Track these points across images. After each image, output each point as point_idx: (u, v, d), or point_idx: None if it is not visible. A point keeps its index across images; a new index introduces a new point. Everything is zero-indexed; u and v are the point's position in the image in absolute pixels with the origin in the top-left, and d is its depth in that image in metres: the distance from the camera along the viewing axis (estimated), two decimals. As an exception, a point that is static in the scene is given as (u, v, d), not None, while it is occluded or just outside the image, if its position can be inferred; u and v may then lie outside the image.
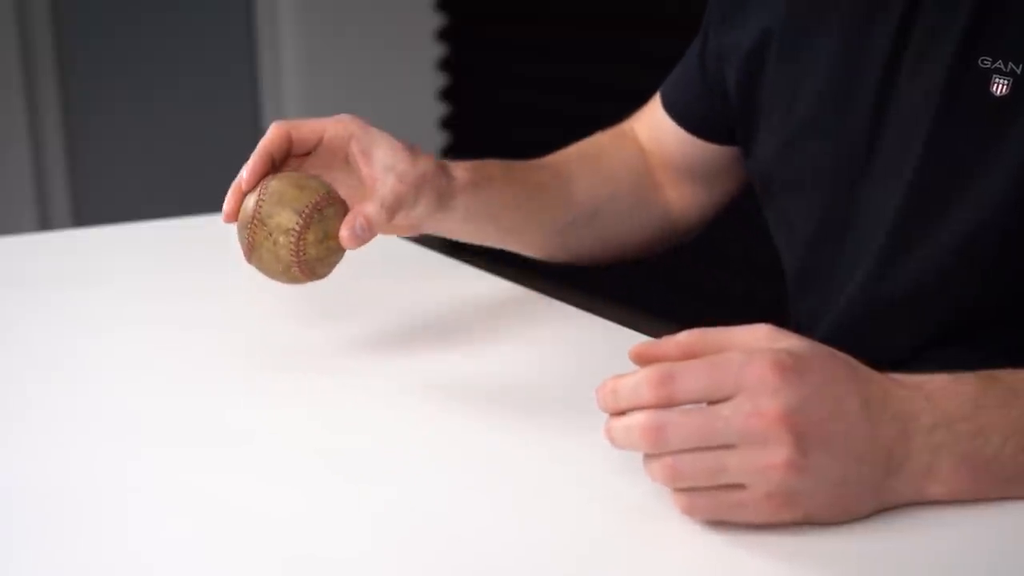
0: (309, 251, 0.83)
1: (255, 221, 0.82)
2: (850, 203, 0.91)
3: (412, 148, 0.90)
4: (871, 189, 0.89)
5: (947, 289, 0.86)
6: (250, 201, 0.83)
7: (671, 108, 1.10)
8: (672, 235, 1.14)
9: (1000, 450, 0.64)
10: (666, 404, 0.61)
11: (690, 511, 0.63)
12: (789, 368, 0.61)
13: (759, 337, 0.65)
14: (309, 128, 0.88)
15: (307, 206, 0.82)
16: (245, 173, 0.85)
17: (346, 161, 0.90)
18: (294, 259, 0.82)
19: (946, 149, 0.83)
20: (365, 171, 0.88)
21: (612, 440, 0.64)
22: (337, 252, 0.85)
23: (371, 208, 0.85)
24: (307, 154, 0.90)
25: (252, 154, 0.86)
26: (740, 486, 0.61)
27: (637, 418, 0.62)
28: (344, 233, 0.83)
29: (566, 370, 0.89)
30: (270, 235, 0.82)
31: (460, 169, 0.95)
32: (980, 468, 0.64)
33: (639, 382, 0.62)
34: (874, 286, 0.88)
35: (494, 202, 0.97)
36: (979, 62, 0.81)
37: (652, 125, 1.13)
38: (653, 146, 1.13)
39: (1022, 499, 0.66)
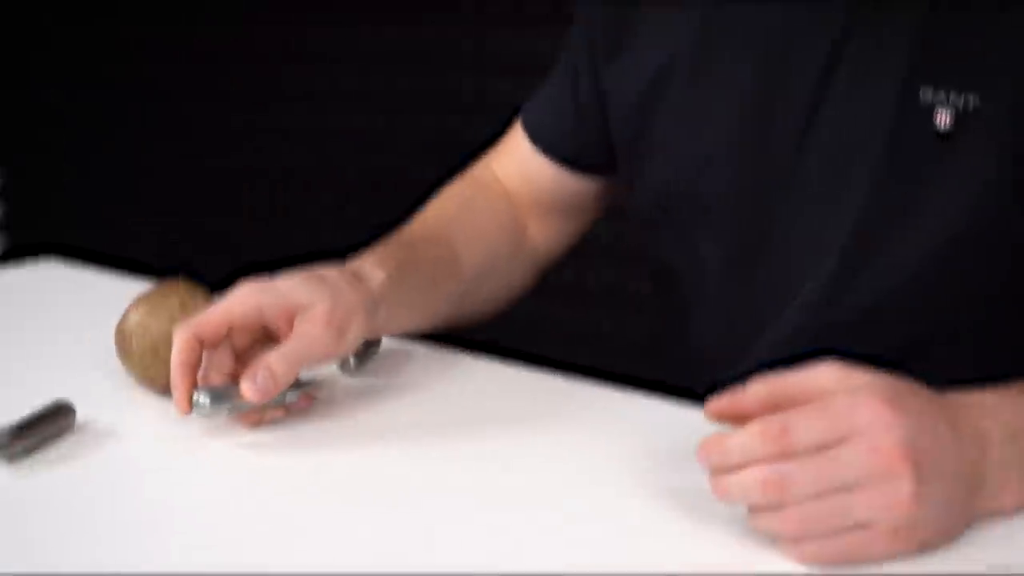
0: None
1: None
2: (770, 228, 0.92)
3: (328, 285, 0.85)
4: (799, 215, 0.91)
5: (896, 314, 0.88)
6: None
7: (541, 143, 1.09)
8: (540, 273, 1.14)
9: None
10: (784, 456, 0.61)
11: (816, 559, 0.63)
12: (895, 402, 0.62)
13: (834, 374, 0.65)
14: (214, 328, 0.83)
15: None
16: (175, 397, 0.82)
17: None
18: None
19: (889, 180, 0.85)
20: (286, 333, 0.84)
21: (726, 496, 0.64)
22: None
23: (273, 359, 0.81)
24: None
25: (171, 372, 0.82)
26: (864, 526, 0.61)
27: (754, 473, 0.62)
28: (245, 386, 0.79)
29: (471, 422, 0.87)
30: None
31: (372, 267, 0.92)
32: None
33: (751, 437, 0.62)
34: (823, 311, 0.90)
35: (407, 291, 0.94)
36: (920, 92, 0.84)
37: (518, 161, 1.11)
38: (520, 183, 1.11)
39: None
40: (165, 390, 0.89)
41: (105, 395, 0.89)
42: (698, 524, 0.68)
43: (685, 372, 1.03)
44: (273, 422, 0.84)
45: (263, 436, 0.83)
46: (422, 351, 1.01)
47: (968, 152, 0.83)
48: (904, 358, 0.87)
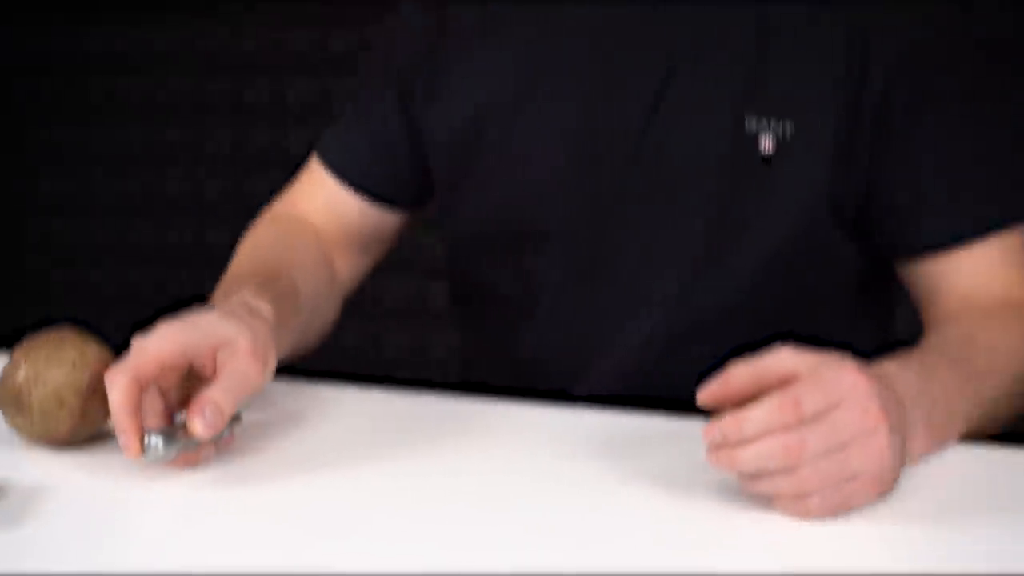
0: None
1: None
2: (609, 245, 1.03)
3: (240, 319, 0.86)
4: (640, 231, 1.02)
5: (740, 315, 1.02)
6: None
7: (352, 180, 1.14)
8: (342, 306, 1.17)
9: (931, 413, 0.82)
10: (798, 423, 0.72)
11: (819, 511, 0.73)
12: (864, 372, 0.74)
13: (793, 356, 0.76)
14: (149, 370, 0.81)
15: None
16: (124, 442, 0.80)
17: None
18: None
19: (726, 197, 0.99)
20: (211, 369, 0.84)
21: (736, 466, 0.73)
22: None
23: (218, 395, 0.81)
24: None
25: (116, 416, 0.80)
26: (856, 477, 0.73)
27: (773, 441, 0.72)
28: (196, 423, 0.80)
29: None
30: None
31: (257, 301, 0.92)
32: (929, 430, 0.82)
33: (768, 411, 0.72)
34: (677, 315, 1.02)
35: (282, 324, 0.95)
36: (745, 121, 0.98)
37: (324, 198, 1.15)
38: (328, 219, 1.15)
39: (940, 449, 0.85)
40: (66, 441, 0.86)
41: (5, 457, 0.84)
42: (632, 518, 0.77)
43: (517, 379, 1.10)
44: (206, 460, 0.84)
45: (193, 476, 0.83)
46: (281, 386, 1.02)
47: (788, 172, 0.98)
48: (749, 352, 1.01)
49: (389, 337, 2.37)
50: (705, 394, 0.76)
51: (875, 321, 1.12)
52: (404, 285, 2.36)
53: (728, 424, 0.72)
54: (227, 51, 2.47)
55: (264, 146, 2.55)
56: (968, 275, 0.99)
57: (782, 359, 0.76)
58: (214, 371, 0.83)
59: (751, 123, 0.98)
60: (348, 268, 1.17)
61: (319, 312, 1.09)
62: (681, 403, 0.97)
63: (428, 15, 1.10)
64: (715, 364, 1.01)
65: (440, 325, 2.38)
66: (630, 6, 1.01)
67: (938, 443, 0.83)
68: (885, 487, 0.75)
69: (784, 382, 0.74)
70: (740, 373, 0.75)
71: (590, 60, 1.02)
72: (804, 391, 0.72)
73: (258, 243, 1.10)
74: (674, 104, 0.99)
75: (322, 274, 1.11)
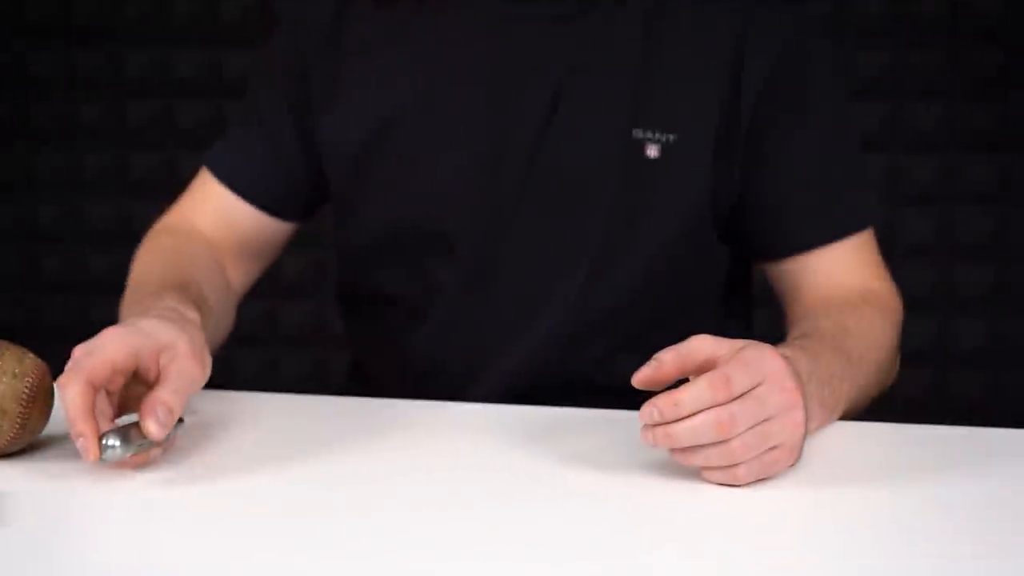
0: None
1: None
2: (509, 248, 1.10)
3: (177, 325, 0.90)
4: (539, 233, 1.09)
5: (634, 311, 1.10)
6: None
7: (246, 193, 1.17)
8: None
9: (822, 393, 0.91)
10: (728, 400, 0.79)
11: (745, 478, 0.81)
12: (779, 353, 0.83)
13: (711, 343, 0.84)
14: (103, 374, 0.84)
15: None
16: (83, 445, 0.82)
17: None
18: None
19: (620, 196, 1.08)
20: (155, 372, 0.87)
21: (671, 442, 0.80)
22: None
23: (169, 397, 0.84)
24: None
25: (74, 420, 0.82)
26: (777, 447, 0.82)
27: (707, 417, 0.79)
28: (150, 424, 0.83)
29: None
30: None
31: (183, 308, 0.96)
32: (822, 408, 0.91)
33: (702, 389, 0.79)
34: (578, 314, 1.10)
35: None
36: (632, 132, 1.07)
37: (217, 209, 1.18)
38: (220, 229, 1.18)
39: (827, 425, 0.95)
40: (4, 451, 0.87)
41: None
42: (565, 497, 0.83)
43: (410, 380, 1.16)
44: (154, 460, 0.87)
45: (145, 476, 0.85)
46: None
47: (674, 172, 1.07)
48: (640, 346, 1.09)
49: (240, 360, 2.34)
50: (639, 377, 0.83)
51: (741, 320, 1.23)
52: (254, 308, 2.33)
53: (664, 403, 0.79)
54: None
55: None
56: (828, 272, 1.10)
57: (702, 345, 0.84)
58: (157, 374, 0.86)
59: (638, 133, 1.07)
60: (240, 276, 1.20)
61: (221, 320, 1.12)
62: (577, 398, 1.05)
63: (321, 24, 1.14)
64: (610, 361, 1.10)
65: (292, 345, 2.39)
66: (527, 20, 1.08)
67: (827, 420, 0.93)
68: (797, 456, 0.84)
69: (705, 366, 0.82)
70: (669, 358, 0.83)
71: (490, 68, 1.09)
72: (732, 371, 0.80)
73: (159, 254, 1.12)
74: (568, 112, 1.08)
75: (219, 282, 1.14)
